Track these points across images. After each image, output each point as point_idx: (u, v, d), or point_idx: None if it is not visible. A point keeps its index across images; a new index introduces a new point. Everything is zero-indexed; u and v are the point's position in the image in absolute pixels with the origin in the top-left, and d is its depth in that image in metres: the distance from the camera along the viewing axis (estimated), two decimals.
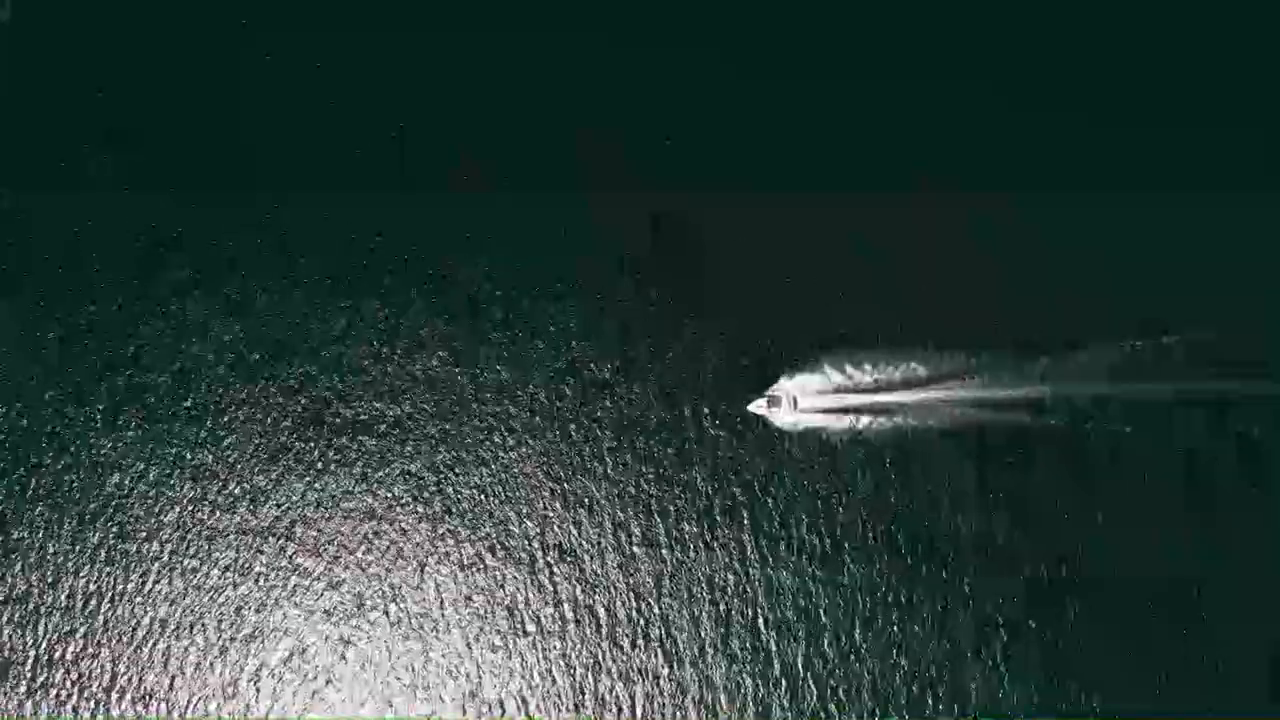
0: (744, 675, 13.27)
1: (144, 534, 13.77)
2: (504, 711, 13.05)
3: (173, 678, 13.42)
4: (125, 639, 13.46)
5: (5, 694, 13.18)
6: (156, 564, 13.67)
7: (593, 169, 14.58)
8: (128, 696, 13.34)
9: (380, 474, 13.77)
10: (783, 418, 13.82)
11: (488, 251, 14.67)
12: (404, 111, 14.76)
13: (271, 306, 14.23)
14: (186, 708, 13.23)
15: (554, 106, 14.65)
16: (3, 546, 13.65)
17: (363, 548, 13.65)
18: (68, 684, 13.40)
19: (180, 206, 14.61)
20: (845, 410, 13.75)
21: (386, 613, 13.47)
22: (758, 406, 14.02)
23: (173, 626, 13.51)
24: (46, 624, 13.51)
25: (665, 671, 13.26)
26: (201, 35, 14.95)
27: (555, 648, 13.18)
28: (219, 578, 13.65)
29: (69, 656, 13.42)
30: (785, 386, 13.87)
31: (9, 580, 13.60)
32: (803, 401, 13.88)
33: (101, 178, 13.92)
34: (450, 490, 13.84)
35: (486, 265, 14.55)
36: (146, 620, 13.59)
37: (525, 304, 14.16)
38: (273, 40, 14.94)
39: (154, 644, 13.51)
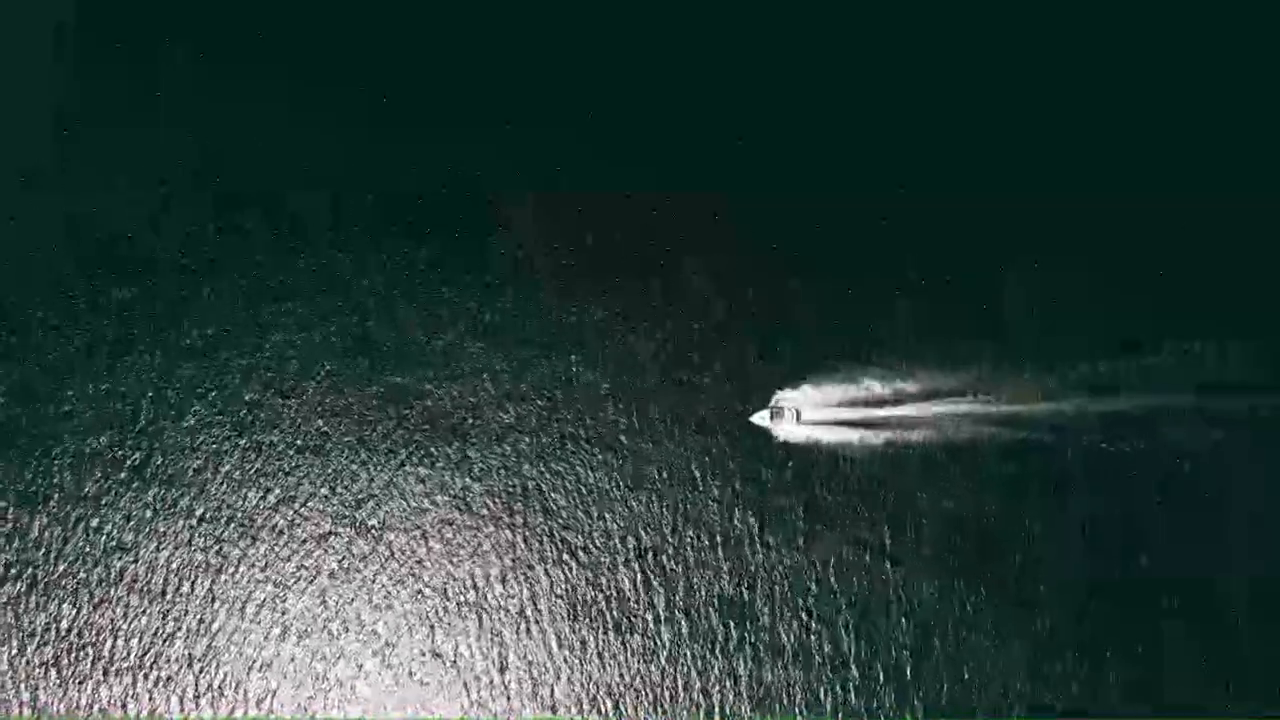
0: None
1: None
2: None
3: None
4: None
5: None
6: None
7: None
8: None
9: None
10: (786, 430, 13.64)
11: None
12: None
13: None
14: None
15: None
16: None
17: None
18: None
19: None
20: (848, 424, 13.55)
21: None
22: (761, 419, 13.80)
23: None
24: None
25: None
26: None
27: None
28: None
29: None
30: (789, 398, 13.66)
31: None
32: (806, 414, 13.68)
33: None
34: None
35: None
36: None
37: None
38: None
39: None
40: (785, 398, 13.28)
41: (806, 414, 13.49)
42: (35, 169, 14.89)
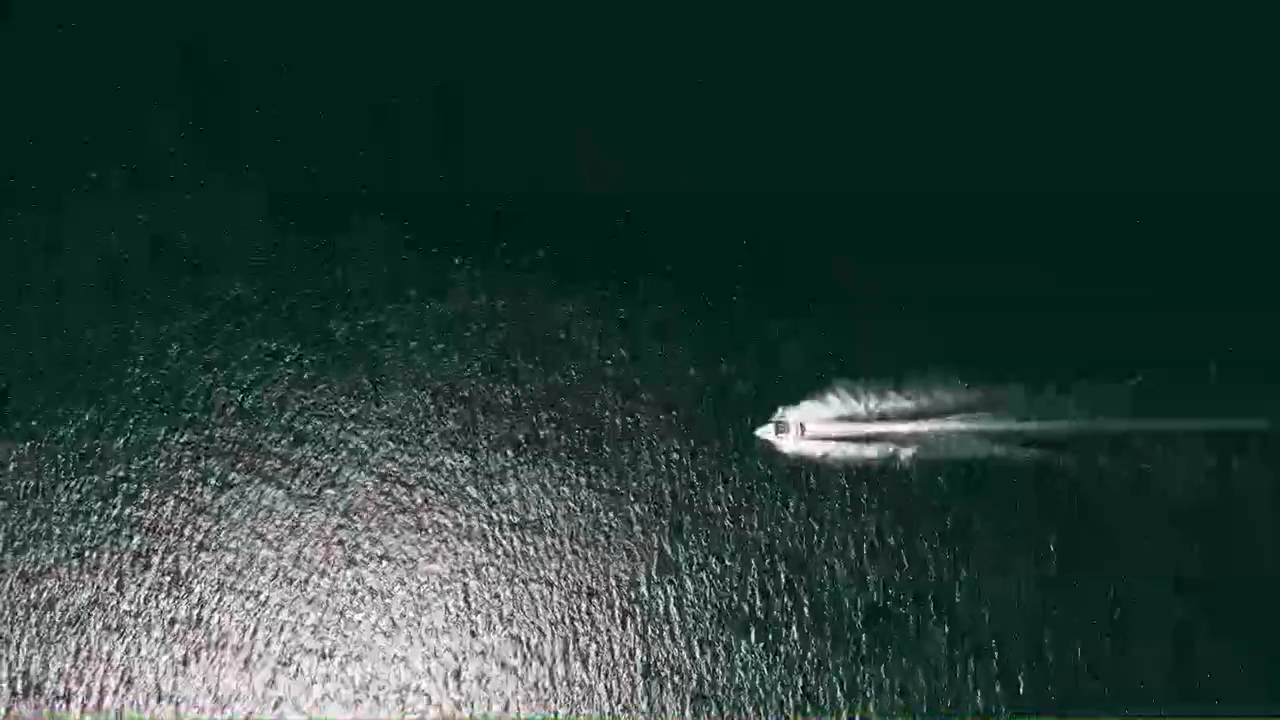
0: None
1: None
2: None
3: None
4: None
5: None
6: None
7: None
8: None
9: None
10: (789, 445, 13.70)
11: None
12: None
13: None
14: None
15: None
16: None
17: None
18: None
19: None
20: (855, 439, 13.61)
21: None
22: (764, 432, 13.89)
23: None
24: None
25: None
26: None
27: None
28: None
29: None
30: (792, 413, 13.73)
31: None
32: (810, 428, 13.75)
33: None
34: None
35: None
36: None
37: None
38: None
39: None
40: (789, 412, 13.40)
41: (811, 428, 13.60)
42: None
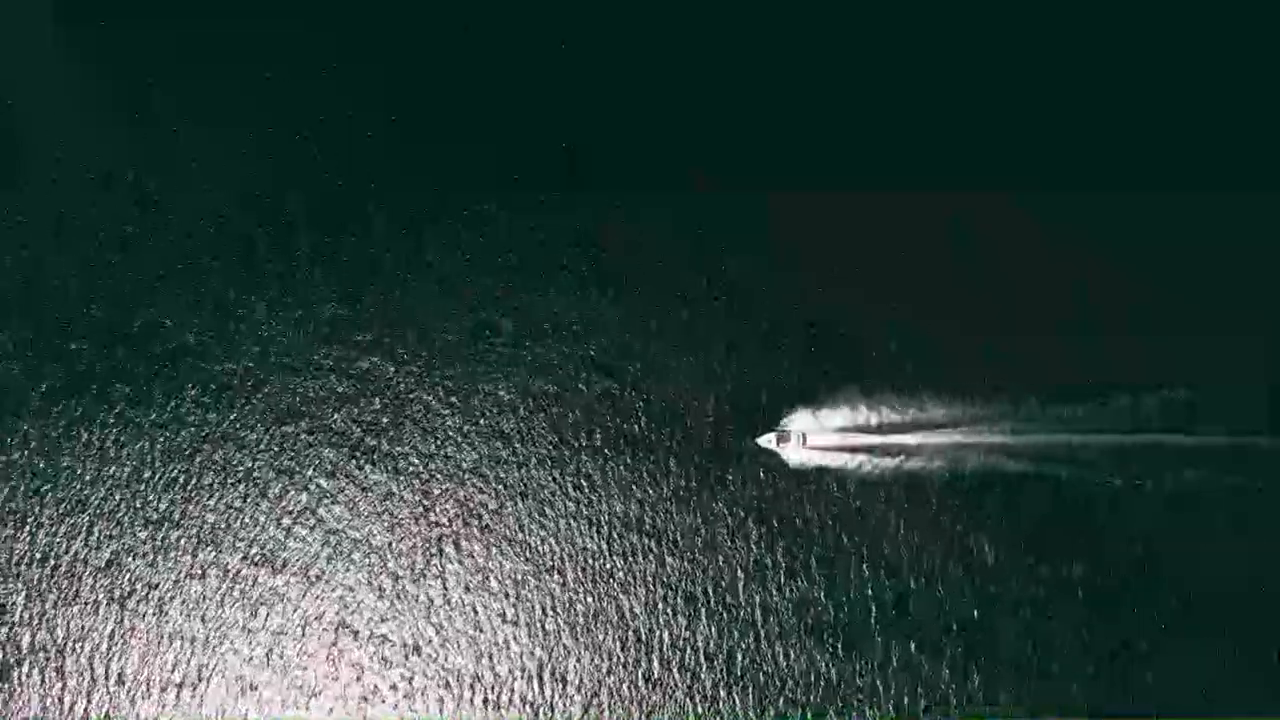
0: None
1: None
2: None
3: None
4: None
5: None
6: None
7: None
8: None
9: None
10: (792, 454, 13.61)
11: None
12: None
13: None
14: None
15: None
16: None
17: None
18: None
19: None
20: (856, 449, 13.52)
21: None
22: (767, 442, 13.79)
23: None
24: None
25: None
26: None
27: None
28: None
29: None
30: (795, 422, 13.62)
31: None
32: (812, 439, 13.64)
33: None
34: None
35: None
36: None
37: None
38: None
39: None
40: (791, 421, 13.25)
41: (813, 438, 13.44)
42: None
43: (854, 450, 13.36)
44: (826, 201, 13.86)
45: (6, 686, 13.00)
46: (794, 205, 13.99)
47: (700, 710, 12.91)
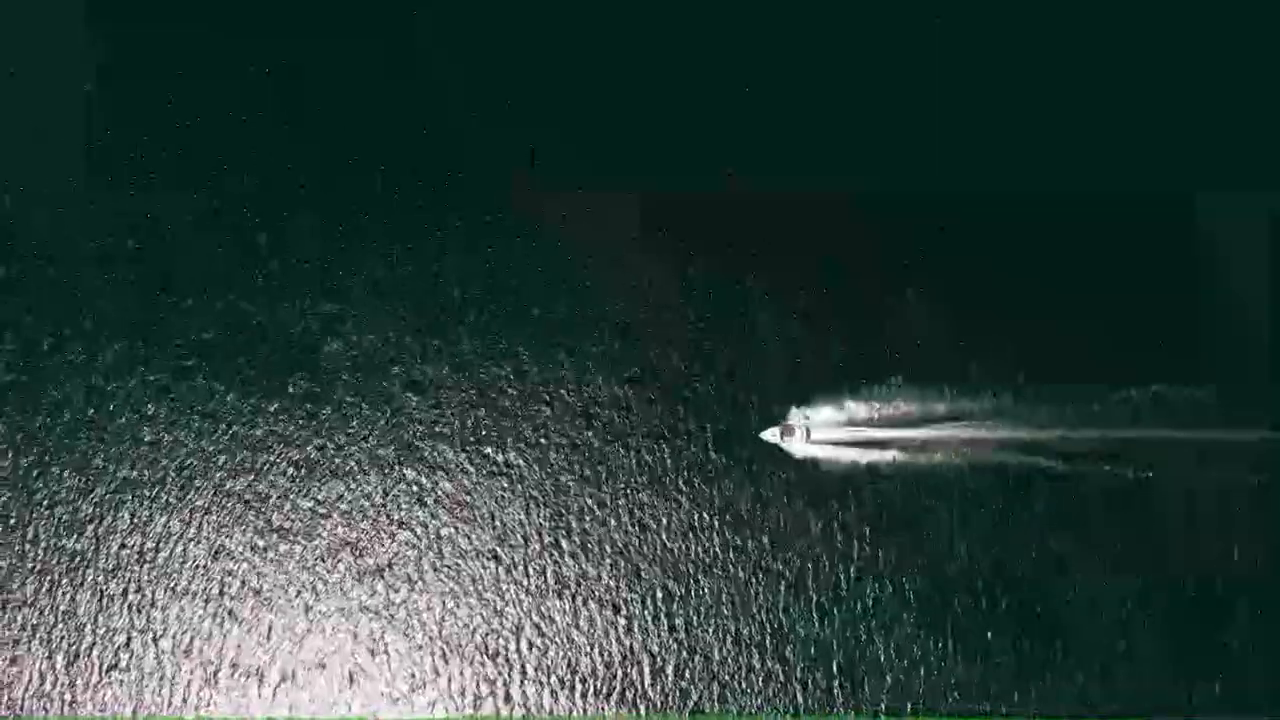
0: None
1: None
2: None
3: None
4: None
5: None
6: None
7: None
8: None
9: None
10: (796, 448, 13.58)
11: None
12: None
13: None
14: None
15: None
16: None
17: None
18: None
19: None
20: (861, 444, 13.49)
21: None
22: (771, 435, 13.79)
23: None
24: None
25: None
26: None
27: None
28: None
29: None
30: (799, 416, 13.62)
31: None
32: (816, 433, 13.63)
33: None
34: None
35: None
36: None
37: None
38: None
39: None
40: (796, 415, 13.28)
41: (817, 432, 13.48)
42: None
43: (859, 444, 13.39)
44: (826, 192, 13.96)
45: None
46: (793, 198, 14.04)
47: (701, 708, 12.93)
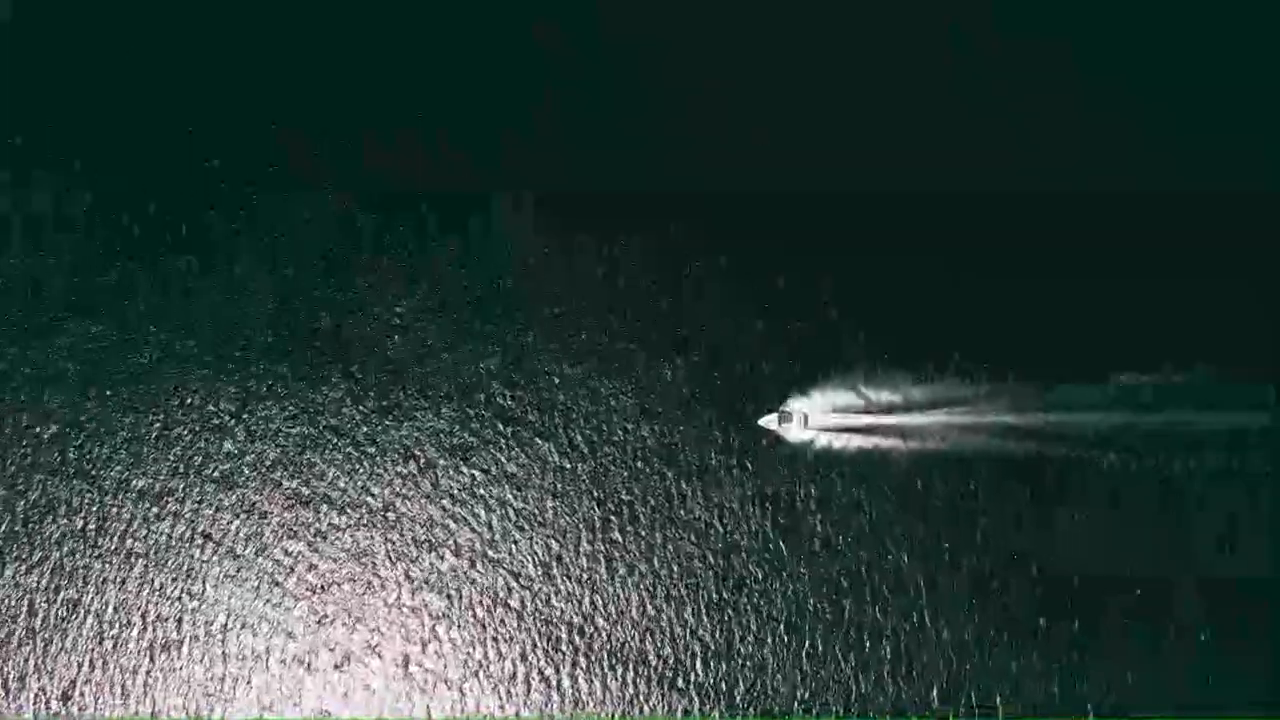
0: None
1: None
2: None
3: None
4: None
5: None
6: None
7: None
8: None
9: None
10: (794, 435, 13.78)
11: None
12: None
13: None
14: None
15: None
16: None
17: None
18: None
19: None
20: (858, 430, 13.69)
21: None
22: (769, 422, 13.99)
23: None
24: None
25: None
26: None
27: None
28: None
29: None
30: (797, 403, 13.82)
31: None
32: (814, 419, 13.83)
33: None
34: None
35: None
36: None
37: None
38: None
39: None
40: (794, 402, 13.45)
41: (814, 419, 13.64)
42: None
43: (856, 431, 13.54)
44: (825, 178, 14.14)
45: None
46: (793, 188, 14.19)
47: (699, 700, 13.06)
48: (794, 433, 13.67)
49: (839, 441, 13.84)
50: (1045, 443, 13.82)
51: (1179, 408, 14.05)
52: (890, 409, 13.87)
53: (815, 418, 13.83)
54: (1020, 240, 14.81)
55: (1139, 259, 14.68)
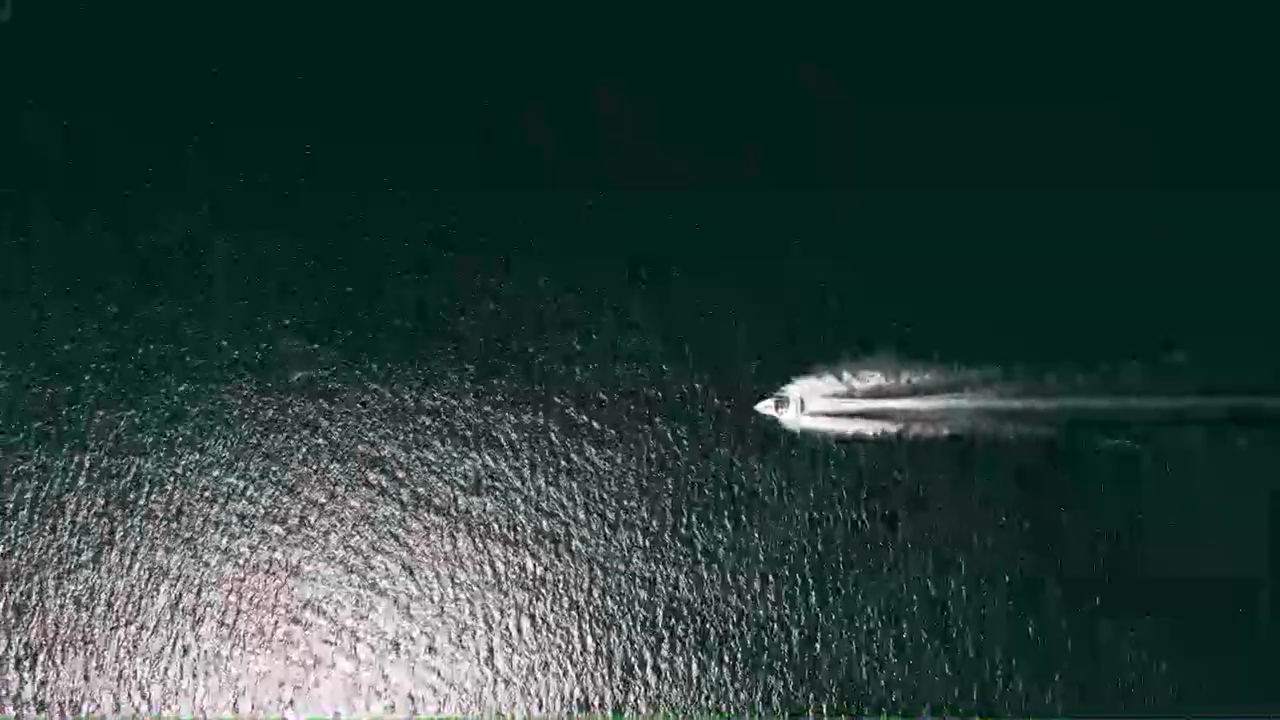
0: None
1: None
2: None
3: None
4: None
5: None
6: None
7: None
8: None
9: None
10: (790, 420, 13.50)
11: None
12: None
13: None
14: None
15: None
16: None
17: None
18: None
19: None
20: (856, 415, 13.41)
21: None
22: (765, 408, 13.72)
23: None
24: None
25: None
26: None
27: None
28: None
29: None
30: (793, 388, 13.54)
31: None
32: (810, 404, 13.55)
33: None
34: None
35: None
36: None
37: None
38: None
39: None
40: (790, 387, 13.17)
41: (811, 404, 13.36)
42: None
43: (853, 415, 13.27)
44: (823, 168, 13.89)
45: (194, 678, 12.81)
46: (791, 175, 13.97)
47: (695, 692, 12.83)
48: (790, 417, 13.41)
49: (833, 425, 13.60)
50: (1047, 427, 13.57)
51: (1181, 391, 13.80)
52: (889, 392, 13.58)
53: (812, 402, 13.55)
54: (1022, 221, 14.54)
55: (1145, 237, 14.41)
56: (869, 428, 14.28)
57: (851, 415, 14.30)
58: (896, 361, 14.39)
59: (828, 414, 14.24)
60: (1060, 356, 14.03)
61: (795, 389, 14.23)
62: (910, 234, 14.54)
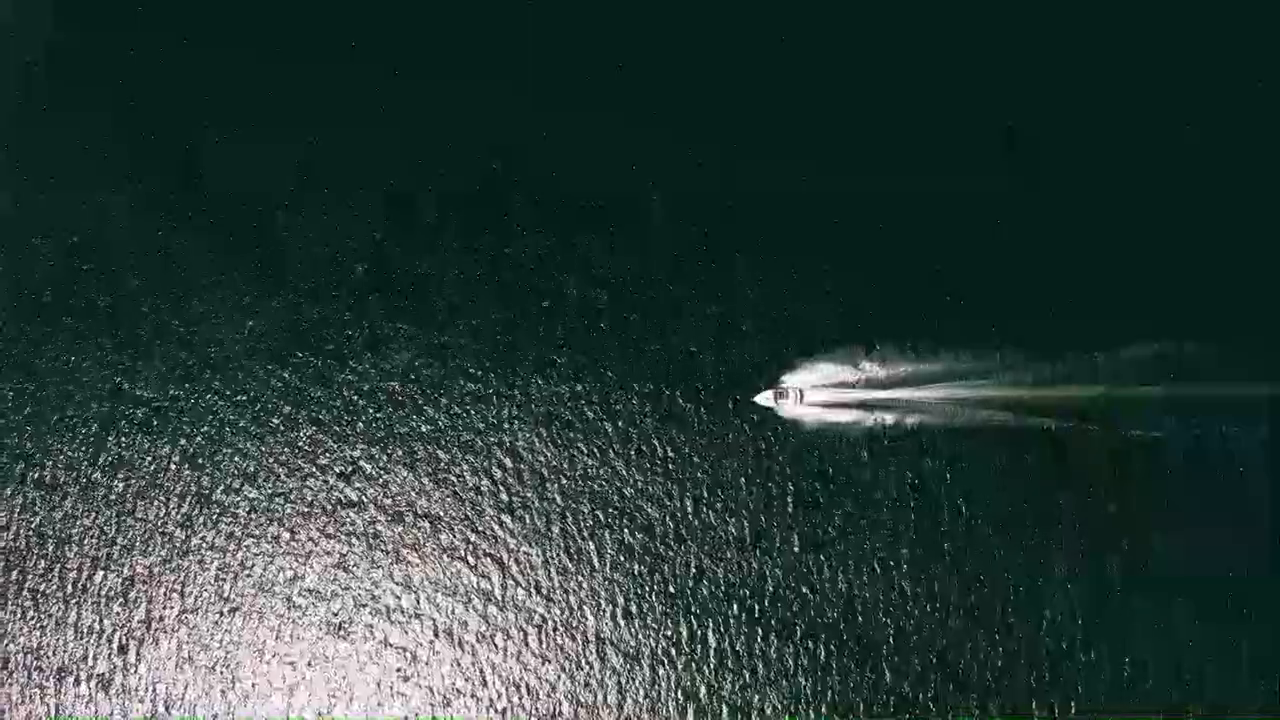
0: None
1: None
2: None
3: None
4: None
5: None
6: None
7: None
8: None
9: None
10: (790, 411, 13.62)
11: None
12: None
13: None
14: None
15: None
16: None
17: None
18: None
19: None
20: (855, 405, 13.53)
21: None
22: (764, 399, 13.83)
23: None
24: None
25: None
26: None
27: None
28: None
29: None
30: (793, 379, 13.66)
31: None
32: (810, 395, 13.67)
33: None
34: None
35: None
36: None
37: None
38: None
39: None
40: (789, 378, 13.29)
41: (810, 395, 13.48)
42: None
43: (852, 406, 13.39)
44: (820, 157, 14.01)
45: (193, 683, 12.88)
46: (790, 174, 14.11)
47: (692, 690, 12.93)
48: (790, 409, 13.51)
49: (832, 416, 13.70)
50: (1047, 416, 13.68)
51: (1179, 379, 13.91)
52: (888, 383, 13.69)
53: (811, 394, 13.67)
54: (1022, 208, 14.63)
55: (1147, 226, 14.53)
56: (866, 418, 14.42)
57: (851, 405, 14.45)
58: (894, 354, 14.54)
59: (827, 404, 14.39)
60: (1055, 349, 14.16)
61: (794, 380, 14.39)
62: (910, 232, 14.66)
